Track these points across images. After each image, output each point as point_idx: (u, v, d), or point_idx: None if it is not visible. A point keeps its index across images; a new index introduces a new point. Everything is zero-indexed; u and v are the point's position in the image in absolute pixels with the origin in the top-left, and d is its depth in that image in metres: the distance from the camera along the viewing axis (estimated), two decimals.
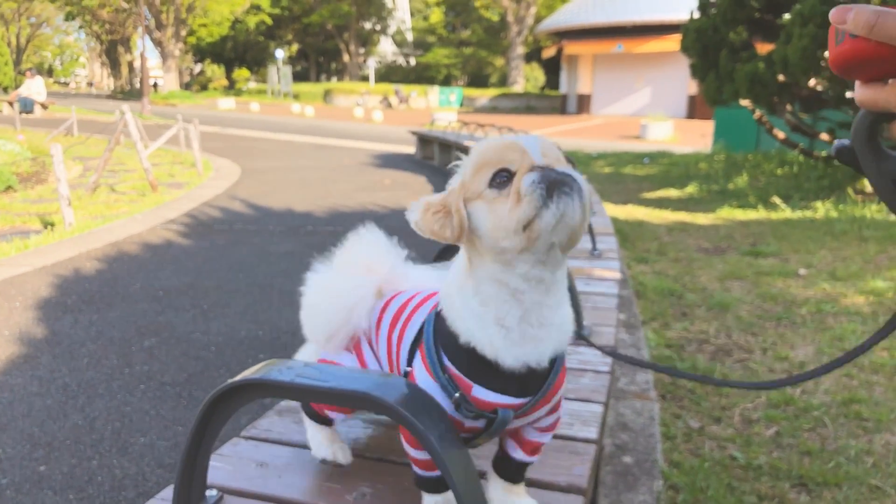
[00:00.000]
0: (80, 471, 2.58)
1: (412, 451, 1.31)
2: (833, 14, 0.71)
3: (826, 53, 7.00)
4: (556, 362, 1.17)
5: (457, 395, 1.12)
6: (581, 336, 1.31)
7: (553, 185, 1.01)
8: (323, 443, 1.43)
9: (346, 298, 1.38)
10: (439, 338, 1.17)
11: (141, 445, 2.77)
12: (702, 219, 7.24)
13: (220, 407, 1.09)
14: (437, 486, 1.30)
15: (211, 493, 1.27)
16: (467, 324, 1.12)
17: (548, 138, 1.11)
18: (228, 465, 1.40)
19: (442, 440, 0.97)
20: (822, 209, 7.25)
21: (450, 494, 1.38)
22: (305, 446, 1.48)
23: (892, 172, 0.78)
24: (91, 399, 3.15)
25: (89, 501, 2.41)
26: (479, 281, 1.11)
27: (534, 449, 1.28)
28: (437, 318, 1.19)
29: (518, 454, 1.28)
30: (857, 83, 0.74)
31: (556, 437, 1.59)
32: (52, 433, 2.84)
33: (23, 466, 2.60)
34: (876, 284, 4.42)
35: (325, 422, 1.43)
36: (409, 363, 1.23)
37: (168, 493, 1.28)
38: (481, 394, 1.12)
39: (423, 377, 1.17)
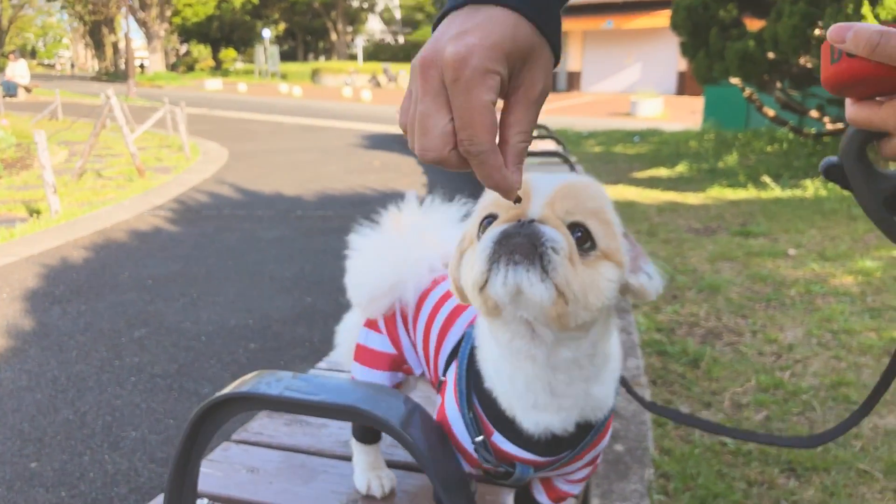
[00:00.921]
0: (71, 467, 2.58)
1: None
2: (831, 32, 0.69)
3: (817, 31, 7.00)
4: (594, 429, 1.05)
5: (478, 439, 1.04)
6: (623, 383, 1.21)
7: (505, 248, 0.83)
8: (365, 470, 1.38)
9: (398, 270, 1.29)
10: (472, 371, 1.07)
11: (132, 440, 2.76)
12: (692, 198, 7.25)
13: (207, 420, 1.08)
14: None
15: (202, 502, 1.26)
16: (488, 368, 1.03)
17: (582, 181, 0.93)
18: (219, 471, 1.40)
19: (432, 454, 0.97)
20: (811, 188, 7.26)
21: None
22: (296, 449, 1.48)
23: (882, 192, 0.77)
24: (81, 393, 3.14)
25: (82, 498, 2.41)
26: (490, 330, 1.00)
27: (559, 498, 1.22)
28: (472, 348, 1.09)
29: (542, 498, 1.22)
30: (849, 101, 0.73)
31: None
32: (42, 428, 2.83)
33: (14, 463, 2.60)
34: (864, 264, 4.45)
35: (373, 439, 1.38)
36: (445, 372, 1.16)
37: (158, 501, 1.27)
38: (502, 443, 1.05)
39: (451, 405, 1.10)
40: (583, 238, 0.88)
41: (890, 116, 0.69)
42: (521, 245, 0.83)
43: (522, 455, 1.04)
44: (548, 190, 0.89)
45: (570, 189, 0.90)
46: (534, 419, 1.00)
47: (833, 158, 0.79)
